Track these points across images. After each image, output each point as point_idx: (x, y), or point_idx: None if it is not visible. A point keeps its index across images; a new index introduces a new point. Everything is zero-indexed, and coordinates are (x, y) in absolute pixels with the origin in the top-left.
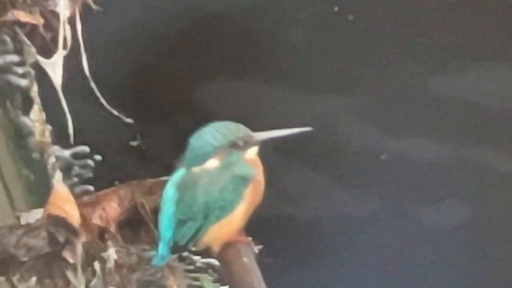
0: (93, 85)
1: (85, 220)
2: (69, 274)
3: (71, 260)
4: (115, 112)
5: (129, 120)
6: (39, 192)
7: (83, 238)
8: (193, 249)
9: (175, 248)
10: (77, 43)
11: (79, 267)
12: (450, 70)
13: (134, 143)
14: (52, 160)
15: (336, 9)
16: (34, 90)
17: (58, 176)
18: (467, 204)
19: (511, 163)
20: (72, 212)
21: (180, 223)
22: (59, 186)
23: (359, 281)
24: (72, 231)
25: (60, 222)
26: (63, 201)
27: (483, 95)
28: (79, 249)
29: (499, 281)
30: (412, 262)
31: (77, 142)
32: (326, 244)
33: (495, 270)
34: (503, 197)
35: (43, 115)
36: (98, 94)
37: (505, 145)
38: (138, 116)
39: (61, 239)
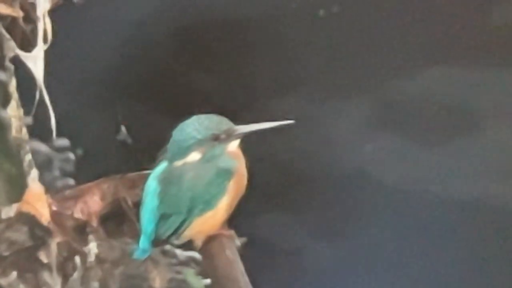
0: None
1: (60, 219)
2: (45, 275)
3: (45, 260)
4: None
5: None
6: (21, 186)
7: (57, 238)
8: (176, 242)
9: (157, 242)
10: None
11: (54, 268)
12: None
13: (119, 137)
14: (28, 157)
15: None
16: (13, 85)
17: (34, 174)
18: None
19: None
20: (42, 210)
21: (163, 217)
22: (34, 184)
23: (345, 277)
24: (46, 231)
25: (29, 220)
26: (36, 199)
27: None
28: (54, 249)
29: None
30: None
31: (59, 135)
32: (310, 235)
33: None
34: None
35: (21, 111)
36: None
37: None
38: (124, 109)
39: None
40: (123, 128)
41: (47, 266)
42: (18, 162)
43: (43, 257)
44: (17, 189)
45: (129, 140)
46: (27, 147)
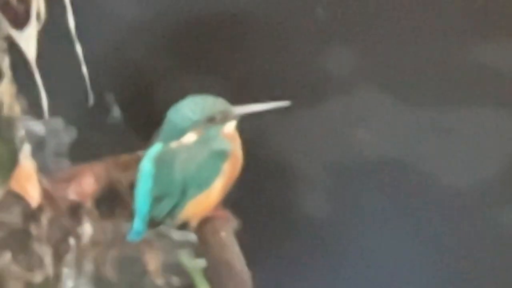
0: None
1: (50, 197)
2: (35, 245)
3: (35, 232)
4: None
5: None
6: (11, 165)
7: (48, 213)
8: (170, 224)
9: (152, 223)
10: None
11: (44, 238)
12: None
13: (114, 117)
14: (21, 133)
15: None
16: (6, 63)
17: (26, 150)
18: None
19: None
20: (32, 192)
21: (157, 198)
22: (26, 161)
23: (340, 260)
24: (38, 208)
25: (18, 200)
26: (26, 178)
27: None
28: (45, 223)
29: None
30: None
31: (52, 116)
32: (306, 218)
33: None
34: None
35: (13, 89)
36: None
37: None
38: (119, 90)
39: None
40: (117, 109)
41: (37, 238)
42: (9, 140)
43: (33, 229)
44: (7, 169)
45: (124, 121)
46: (20, 125)
